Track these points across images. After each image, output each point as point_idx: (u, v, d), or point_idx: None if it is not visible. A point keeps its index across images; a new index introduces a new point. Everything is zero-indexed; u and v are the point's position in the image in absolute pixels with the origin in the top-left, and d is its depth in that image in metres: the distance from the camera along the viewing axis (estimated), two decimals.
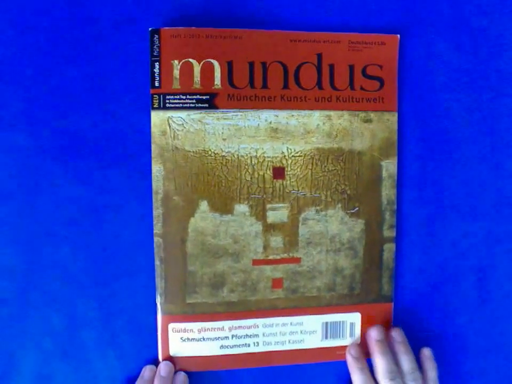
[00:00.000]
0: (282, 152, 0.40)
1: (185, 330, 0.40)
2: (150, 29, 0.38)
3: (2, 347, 0.40)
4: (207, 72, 0.39)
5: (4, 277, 0.40)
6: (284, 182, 0.41)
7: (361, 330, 0.42)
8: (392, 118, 0.41)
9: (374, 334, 0.41)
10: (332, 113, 0.41)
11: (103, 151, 0.40)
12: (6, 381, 0.40)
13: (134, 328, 0.41)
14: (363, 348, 0.42)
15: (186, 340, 0.40)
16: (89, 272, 0.40)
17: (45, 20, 0.39)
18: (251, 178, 0.40)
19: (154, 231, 0.40)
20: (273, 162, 0.40)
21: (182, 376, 0.40)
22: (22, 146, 0.39)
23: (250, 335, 0.41)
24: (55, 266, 0.40)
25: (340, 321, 0.42)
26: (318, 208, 0.41)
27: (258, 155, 0.40)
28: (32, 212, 0.40)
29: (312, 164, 0.41)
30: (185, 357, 0.40)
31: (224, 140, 0.40)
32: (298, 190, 0.41)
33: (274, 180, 0.41)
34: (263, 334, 0.41)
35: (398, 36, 0.41)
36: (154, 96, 0.38)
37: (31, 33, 0.39)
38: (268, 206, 0.41)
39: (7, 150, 0.39)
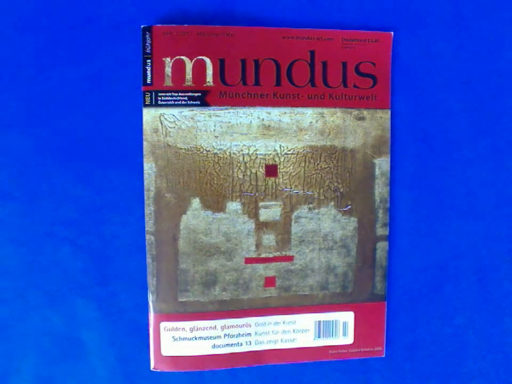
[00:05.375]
0: (275, 150, 0.40)
1: (177, 329, 0.40)
2: (142, 26, 0.38)
3: (2, 347, 0.40)
4: (199, 69, 0.39)
5: (4, 277, 0.40)
6: (277, 180, 0.40)
7: (354, 329, 0.42)
8: (385, 116, 0.41)
9: None
10: (324, 110, 0.40)
11: (95, 149, 0.40)
12: (6, 381, 0.40)
13: (134, 328, 0.41)
14: (357, 347, 0.42)
15: (178, 339, 0.40)
16: (89, 272, 0.40)
17: (38, 19, 0.39)
18: (243, 176, 0.40)
19: (146, 229, 0.39)
20: (265, 159, 0.40)
21: None
22: (21, 146, 0.40)
23: (243, 334, 0.41)
24: (55, 266, 0.40)
25: (332, 320, 0.42)
26: (310, 206, 0.41)
27: (250, 152, 0.40)
28: (32, 212, 0.40)
29: (305, 161, 0.41)
30: (177, 356, 0.40)
31: (216, 137, 0.39)
32: (291, 188, 0.41)
33: (267, 178, 0.40)
34: (256, 333, 0.41)
35: (392, 33, 0.41)
36: (146, 93, 0.38)
37: (26, 33, 0.39)
38: (260, 204, 0.40)
39: (7, 150, 0.40)
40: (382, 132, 0.41)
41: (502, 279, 0.44)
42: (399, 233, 0.43)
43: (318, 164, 0.41)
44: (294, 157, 0.40)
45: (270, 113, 0.40)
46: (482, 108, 0.43)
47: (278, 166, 0.40)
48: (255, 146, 0.40)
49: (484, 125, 0.43)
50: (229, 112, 0.39)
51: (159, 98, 0.39)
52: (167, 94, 0.39)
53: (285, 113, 0.40)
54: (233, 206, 0.40)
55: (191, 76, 0.39)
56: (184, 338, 0.40)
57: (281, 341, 0.41)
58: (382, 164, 0.41)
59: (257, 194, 0.40)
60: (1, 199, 0.40)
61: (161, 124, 0.39)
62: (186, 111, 0.39)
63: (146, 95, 0.39)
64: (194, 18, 0.40)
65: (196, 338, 0.40)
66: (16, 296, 0.40)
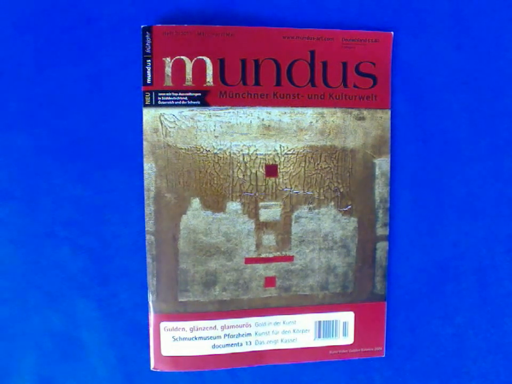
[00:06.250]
0: (275, 150, 0.40)
1: (177, 329, 0.40)
2: (142, 26, 0.38)
3: (2, 347, 0.40)
4: (199, 69, 0.39)
5: (4, 277, 0.40)
6: (277, 180, 0.40)
7: (355, 329, 0.42)
8: (385, 116, 0.41)
9: None
10: (324, 110, 0.40)
11: (95, 149, 0.40)
12: (6, 381, 0.40)
13: (134, 328, 0.41)
14: (357, 347, 0.42)
15: (178, 339, 0.40)
16: (89, 272, 0.40)
17: (38, 19, 0.39)
18: (243, 176, 0.40)
19: (146, 229, 0.39)
20: (265, 159, 0.40)
21: None
22: (21, 146, 0.40)
23: (243, 334, 0.41)
24: (55, 266, 0.40)
25: (332, 320, 0.42)
26: (310, 206, 0.41)
27: (250, 152, 0.40)
28: (32, 212, 0.40)
29: (305, 161, 0.41)
30: (177, 356, 0.40)
31: (216, 137, 0.39)
32: (291, 188, 0.41)
33: (267, 178, 0.40)
34: (256, 333, 0.41)
35: (392, 33, 0.41)
36: (146, 93, 0.38)
37: (26, 33, 0.39)
38: (261, 204, 0.40)
39: (7, 150, 0.40)
40: (382, 131, 0.41)
41: (502, 279, 0.44)
42: (399, 233, 0.43)
43: (318, 164, 0.41)
44: (294, 157, 0.40)
45: (270, 113, 0.40)
46: (482, 108, 0.43)
47: (278, 166, 0.40)
48: (255, 146, 0.40)
49: (484, 125, 0.43)
50: (229, 112, 0.39)
51: (159, 98, 0.39)
52: (167, 94, 0.39)
53: (285, 113, 0.40)
54: (233, 206, 0.40)
55: (191, 76, 0.39)
56: (184, 338, 0.40)
57: (282, 341, 0.41)
58: (382, 164, 0.41)
59: (257, 194, 0.40)
60: (1, 199, 0.40)
61: (161, 123, 0.39)
62: (186, 111, 0.39)
63: (146, 95, 0.38)
64: (194, 18, 0.40)
65: (196, 338, 0.40)
66: (16, 296, 0.40)
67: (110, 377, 0.41)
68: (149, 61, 0.38)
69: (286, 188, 0.41)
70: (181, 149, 0.39)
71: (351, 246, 0.41)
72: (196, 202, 0.40)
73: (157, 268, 0.40)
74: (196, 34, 0.38)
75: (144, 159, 0.39)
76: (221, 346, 0.41)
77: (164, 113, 0.39)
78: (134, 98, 0.40)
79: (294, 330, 0.41)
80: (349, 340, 0.42)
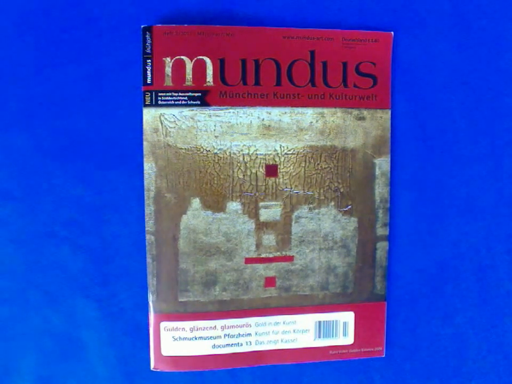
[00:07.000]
0: (275, 150, 0.40)
1: (177, 329, 0.40)
2: (142, 26, 0.38)
3: (2, 347, 0.40)
4: (199, 69, 0.39)
5: (4, 277, 0.40)
6: (277, 180, 0.40)
7: (355, 329, 0.42)
8: (385, 116, 0.41)
9: None
10: (325, 110, 0.40)
11: (95, 149, 0.40)
12: (5, 381, 0.40)
13: (134, 328, 0.41)
14: (357, 347, 0.42)
15: (178, 339, 0.40)
16: (89, 272, 0.40)
17: (38, 19, 0.39)
18: (243, 176, 0.40)
19: (146, 229, 0.39)
20: (265, 159, 0.40)
21: None
22: (22, 146, 0.40)
23: (243, 334, 0.41)
24: (55, 266, 0.40)
25: (333, 321, 0.42)
26: (311, 206, 0.41)
27: (250, 152, 0.40)
28: (32, 212, 0.40)
29: (305, 161, 0.41)
30: (177, 356, 0.40)
31: (216, 137, 0.39)
32: (291, 188, 0.41)
33: (267, 178, 0.40)
34: (256, 333, 0.41)
35: (392, 33, 0.41)
36: (146, 93, 0.38)
37: (26, 33, 0.39)
38: (261, 204, 0.40)
39: (7, 150, 0.40)
40: (382, 131, 0.41)
41: (502, 279, 0.44)
42: (399, 233, 0.43)
43: (318, 164, 0.41)
44: (294, 157, 0.40)
45: (270, 113, 0.40)
46: (482, 107, 0.43)
47: (278, 166, 0.40)
48: (255, 146, 0.40)
49: (484, 124, 0.43)
50: (229, 112, 0.39)
51: (159, 98, 0.39)
52: (167, 94, 0.39)
53: (285, 113, 0.40)
54: (233, 206, 0.40)
55: (191, 76, 0.39)
56: (184, 338, 0.40)
57: (282, 341, 0.41)
58: (382, 164, 0.41)
59: (257, 194, 0.40)
60: (1, 199, 0.40)
61: (161, 123, 0.39)
62: (186, 111, 0.39)
63: (147, 95, 0.39)
64: (194, 18, 0.40)
65: (196, 338, 0.40)
66: (16, 296, 0.40)
67: (110, 377, 0.41)
68: (149, 61, 0.38)
69: (286, 188, 0.41)
70: (181, 149, 0.39)
71: (351, 246, 0.41)
72: (196, 202, 0.40)
73: (157, 268, 0.40)
74: (196, 34, 0.38)
75: (144, 159, 0.39)
76: (221, 346, 0.41)
77: (164, 113, 0.39)
78: (134, 98, 0.40)
79: (294, 331, 0.41)
80: (349, 340, 0.42)
